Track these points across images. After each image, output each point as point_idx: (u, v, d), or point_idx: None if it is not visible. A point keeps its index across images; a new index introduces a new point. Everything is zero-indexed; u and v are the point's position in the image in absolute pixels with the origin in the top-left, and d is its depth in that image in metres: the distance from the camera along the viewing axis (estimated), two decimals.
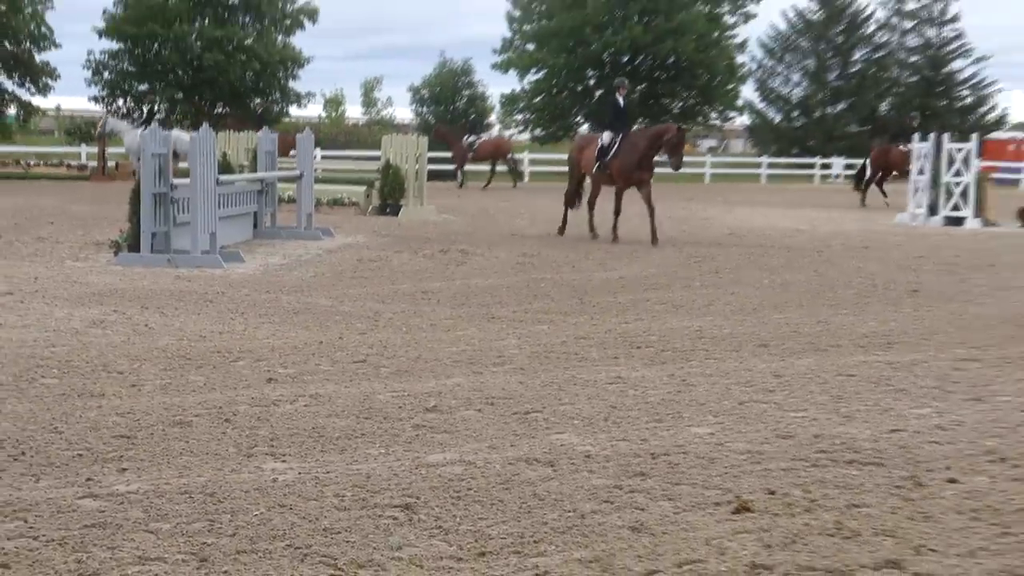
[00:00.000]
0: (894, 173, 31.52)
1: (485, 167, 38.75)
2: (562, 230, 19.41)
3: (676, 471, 5.51)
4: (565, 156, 51.22)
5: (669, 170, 19.25)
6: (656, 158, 18.71)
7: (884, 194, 31.02)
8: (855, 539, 4.61)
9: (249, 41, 48.65)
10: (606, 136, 18.78)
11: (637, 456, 5.75)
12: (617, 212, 18.35)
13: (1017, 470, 5.65)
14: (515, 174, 38.82)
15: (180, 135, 31.54)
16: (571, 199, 19.69)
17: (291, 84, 50.70)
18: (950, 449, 6.01)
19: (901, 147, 30.32)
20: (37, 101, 49.26)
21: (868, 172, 32.15)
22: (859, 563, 4.34)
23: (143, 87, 49.04)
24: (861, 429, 6.40)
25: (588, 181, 19.41)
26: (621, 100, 19.12)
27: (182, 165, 16.20)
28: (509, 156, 38.68)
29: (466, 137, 38.16)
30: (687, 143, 18.78)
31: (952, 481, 5.43)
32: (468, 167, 38.19)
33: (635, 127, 19.62)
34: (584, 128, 58.68)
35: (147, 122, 31.96)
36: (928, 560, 4.39)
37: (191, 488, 5.08)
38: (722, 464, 5.64)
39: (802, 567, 4.30)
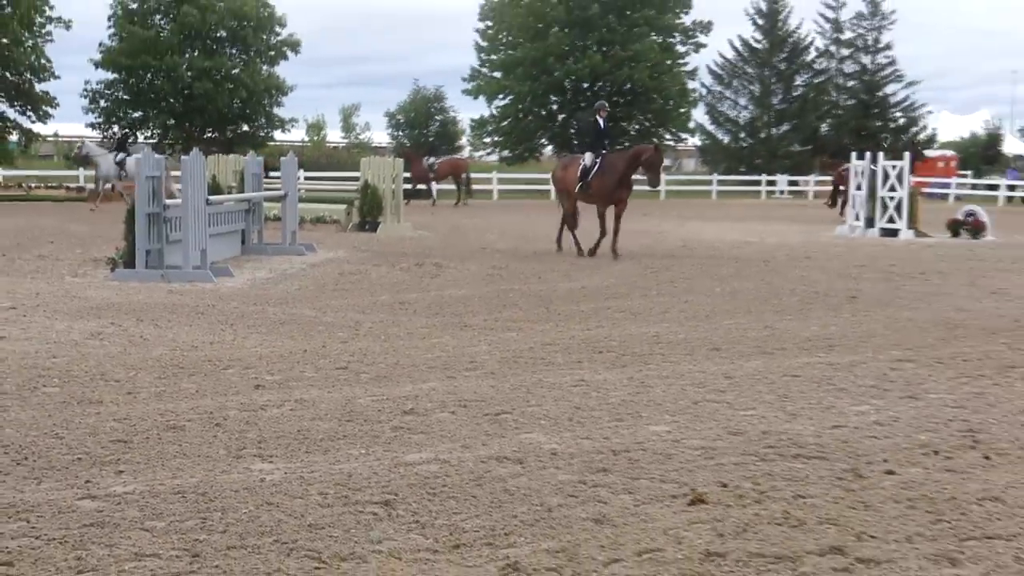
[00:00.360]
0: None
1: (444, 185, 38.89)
2: (582, 251, 18.28)
3: (636, 467, 5.51)
4: (532, 176, 51.44)
5: None
6: (634, 176, 18.56)
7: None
8: (801, 527, 4.62)
9: (236, 71, 48.50)
10: (588, 157, 18.43)
11: (600, 453, 5.74)
12: (603, 232, 17.86)
13: (949, 462, 5.68)
14: (467, 192, 38.73)
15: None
16: (572, 219, 18.86)
17: (276, 111, 50.55)
18: (887, 443, 6.04)
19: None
20: (37, 128, 48.85)
21: (841, 188, 31.96)
22: (805, 549, 4.35)
23: (137, 115, 48.77)
24: (805, 425, 6.42)
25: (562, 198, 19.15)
26: (601, 122, 18.76)
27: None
28: (464, 175, 38.67)
29: (426, 158, 38.15)
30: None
31: (890, 473, 5.46)
32: (424, 185, 38.10)
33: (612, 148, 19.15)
34: (548, 150, 58.83)
35: (120, 148, 31.50)
36: (869, 546, 4.41)
37: (184, 488, 5.04)
38: (678, 460, 5.64)
39: (753, 554, 4.31)
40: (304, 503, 4.86)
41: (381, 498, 4.94)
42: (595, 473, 5.38)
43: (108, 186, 31.08)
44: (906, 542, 4.46)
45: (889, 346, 9.35)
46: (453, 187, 38.83)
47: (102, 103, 48.57)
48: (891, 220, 24.63)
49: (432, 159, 38.51)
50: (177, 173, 15.07)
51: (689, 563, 4.22)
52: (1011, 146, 66.21)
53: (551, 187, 47.43)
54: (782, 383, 7.67)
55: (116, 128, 48.29)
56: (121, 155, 30.72)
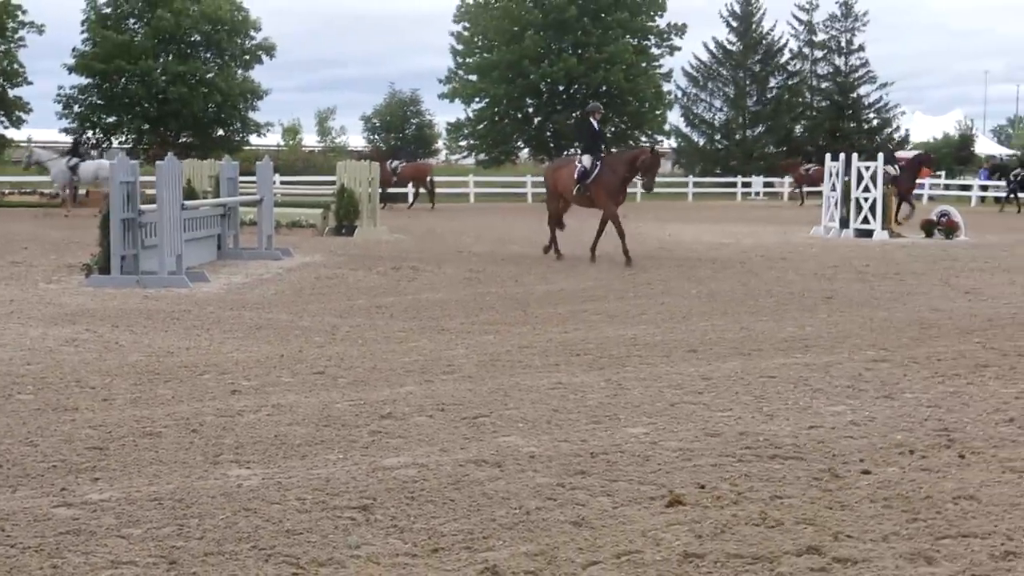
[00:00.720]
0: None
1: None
2: (548, 249, 18.45)
3: (614, 469, 5.52)
4: (508, 179, 51.47)
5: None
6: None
7: None
8: (779, 528, 4.64)
9: (211, 75, 48.29)
10: (586, 160, 17.90)
11: (578, 456, 5.75)
12: (621, 235, 17.32)
13: (925, 461, 5.72)
14: (433, 196, 38.61)
15: (104, 164, 31.11)
16: (556, 219, 18.64)
17: (251, 115, 50.38)
18: (863, 443, 6.07)
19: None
20: (11, 134, 48.51)
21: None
22: (783, 550, 4.37)
23: (111, 120, 48.51)
24: (782, 426, 6.45)
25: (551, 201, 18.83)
26: (596, 124, 18.41)
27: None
28: (428, 179, 38.58)
29: (389, 162, 38.02)
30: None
31: (866, 472, 5.48)
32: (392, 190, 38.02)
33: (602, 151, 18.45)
34: (524, 153, 58.87)
35: (74, 153, 31.10)
36: (845, 545, 4.43)
37: (161, 495, 5.01)
38: (656, 461, 5.66)
39: (731, 555, 4.32)
40: (282, 509, 4.84)
41: (359, 503, 4.93)
42: (573, 476, 5.38)
43: (65, 191, 30.71)
44: (882, 541, 4.48)
45: (864, 346, 9.40)
46: (420, 190, 38.78)
47: (76, 108, 48.27)
48: (865, 221, 24.77)
49: (395, 163, 38.44)
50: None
51: (667, 564, 4.23)
52: (983, 147, 66.66)
53: (525, 190, 47.72)
54: (759, 384, 7.70)
55: (90, 133, 48.00)
56: (74, 160, 30.30)
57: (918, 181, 31.32)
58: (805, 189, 45.90)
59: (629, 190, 19.60)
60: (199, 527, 4.59)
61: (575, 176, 17.94)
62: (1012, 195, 41.44)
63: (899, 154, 36.45)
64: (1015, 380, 7.94)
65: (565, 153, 53.39)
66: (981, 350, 9.24)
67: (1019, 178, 41.22)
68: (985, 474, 5.48)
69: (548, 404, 7.00)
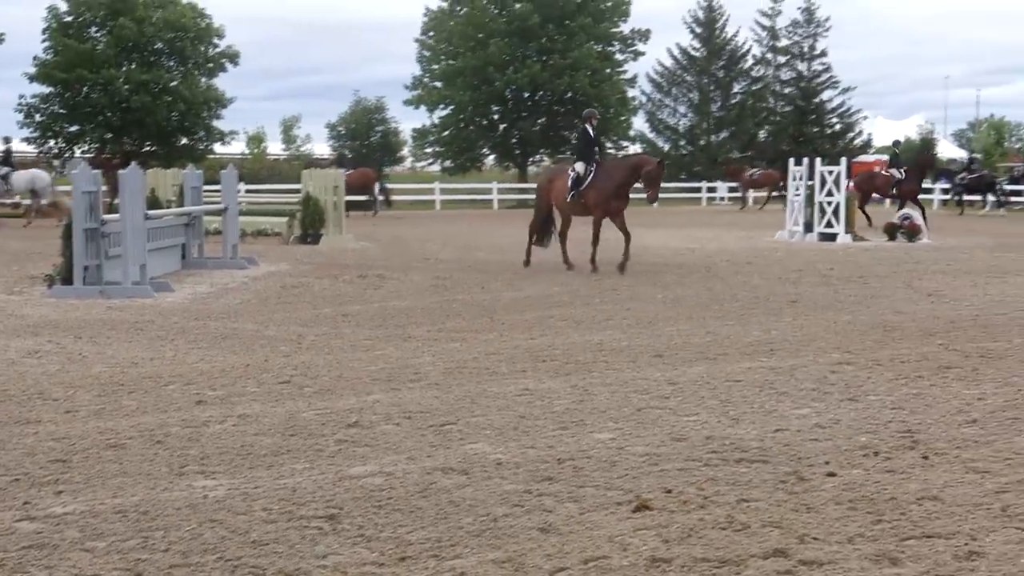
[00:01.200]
0: (874, 196, 31.39)
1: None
2: (527, 262, 17.90)
3: (581, 474, 5.52)
4: (473, 186, 51.45)
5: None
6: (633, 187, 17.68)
7: (868, 217, 28.50)
8: (745, 531, 4.66)
9: (174, 83, 47.98)
10: (579, 166, 17.46)
11: (545, 462, 5.75)
12: (595, 241, 17.10)
13: (889, 463, 5.76)
14: (376, 203, 38.39)
15: (38, 174, 30.75)
16: (535, 230, 18.23)
17: (215, 123, 50.09)
18: (828, 445, 6.11)
19: (884, 172, 30.30)
20: None
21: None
22: (749, 553, 4.39)
23: (73, 129, 48.08)
24: (748, 430, 6.48)
25: (556, 213, 18.27)
26: (591, 130, 17.84)
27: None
28: (374, 186, 38.44)
29: (335, 169, 37.84)
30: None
31: (831, 475, 5.52)
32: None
33: (596, 157, 17.82)
34: (491, 159, 58.87)
35: (4, 163, 30.28)
36: (811, 548, 4.45)
37: (125, 507, 4.97)
38: (623, 466, 5.67)
39: (698, 559, 4.33)
40: (248, 519, 4.81)
41: (326, 512, 4.91)
42: (540, 482, 5.38)
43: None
44: (848, 543, 4.51)
45: (829, 349, 9.47)
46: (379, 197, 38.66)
47: (37, 117, 47.81)
48: (829, 224, 24.96)
49: (341, 170, 38.31)
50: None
51: (635, 570, 4.24)
52: (945, 151, 67.32)
53: (491, 197, 47.81)
54: (724, 388, 7.74)
55: (52, 143, 47.59)
56: (5, 169, 29.66)
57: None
58: (750, 193, 46.26)
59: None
60: (164, 539, 4.55)
61: (568, 184, 17.49)
62: (956, 198, 41.94)
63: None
64: (977, 381, 8.02)
65: (547, 161, 53.50)
66: (944, 352, 9.32)
67: (964, 181, 41.67)
68: (948, 475, 5.53)
69: (515, 411, 7.00)
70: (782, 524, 4.74)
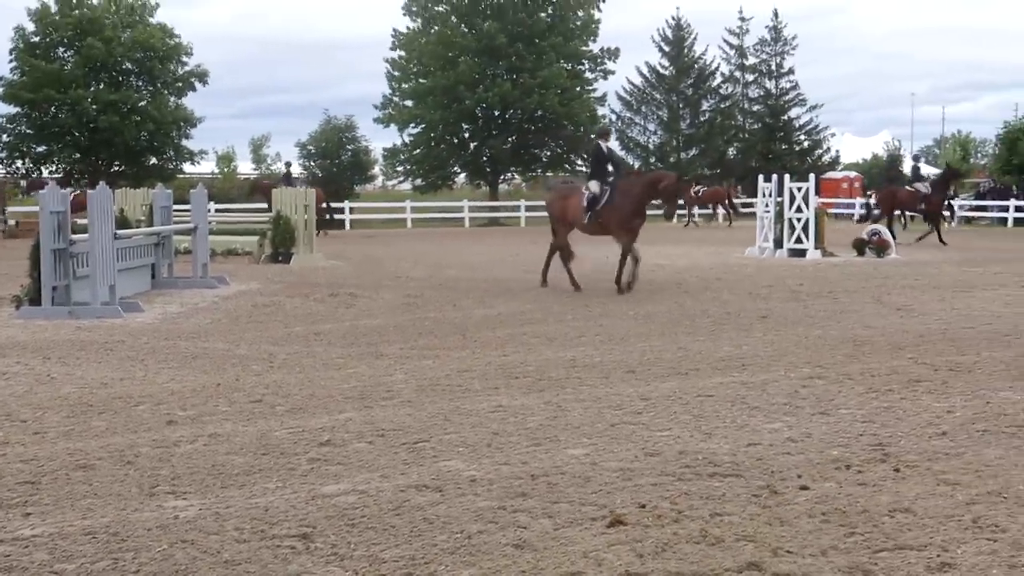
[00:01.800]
0: (897, 212, 31.37)
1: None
2: (577, 286, 16.87)
3: (555, 490, 5.51)
4: (445, 204, 51.43)
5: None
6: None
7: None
8: (719, 545, 4.66)
9: (143, 103, 47.76)
10: (593, 185, 16.92)
11: (518, 478, 5.74)
12: (624, 262, 16.45)
13: (860, 475, 5.79)
14: (324, 222, 38.17)
15: None
16: (565, 249, 17.46)
17: (184, 143, 49.86)
18: (801, 459, 6.13)
19: (908, 188, 30.20)
20: None
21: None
22: (723, 567, 4.39)
23: (41, 149, 47.74)
24: (720, 444, 6.49)
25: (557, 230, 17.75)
26: (605, 148, 17.33)
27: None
28: (322, 205, 38.24)
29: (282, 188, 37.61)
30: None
31: (804, 488, 5.54)
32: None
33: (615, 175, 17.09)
34: (462, 178, 58.88)
35: None
36: (785, 561, 4.46)
37: (95, 529, 4.92)
38: (596, 482, 5.66)
39: (672, 573, 4.33)
40: (220, 539, 4.77)
41: (299, 531, 4.88)
42: (514, 498, 5.37)
43: None
44: (821, 555, 4.52)
45: (800, 364, 9.51)
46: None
47: (4, 137, 47.48)
48: (799, 240, 25.10)
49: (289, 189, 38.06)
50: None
51: None
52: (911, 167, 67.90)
53: (463, 215, 47.82)
54: (697, 403, 7.75)
55: (20, 163, 47.22)
56: None
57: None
58: (696, 211, 46.47)
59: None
60: (135, 560, 4.51)
61: (583, 204, 16.94)
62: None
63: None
64: (947, 394, 8.07)
65: (518, 179, 53.51)
66: (913, 366, 9.38)
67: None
68: (920, 487, 5.56)
69: (488, 427, 6.98)
70: (756, 538, 4.75)
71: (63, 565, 4.46)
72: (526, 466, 5.98)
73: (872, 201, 29.74)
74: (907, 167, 35.98)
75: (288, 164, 42.05)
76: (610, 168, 17.38)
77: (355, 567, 4.44)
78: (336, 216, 39.57)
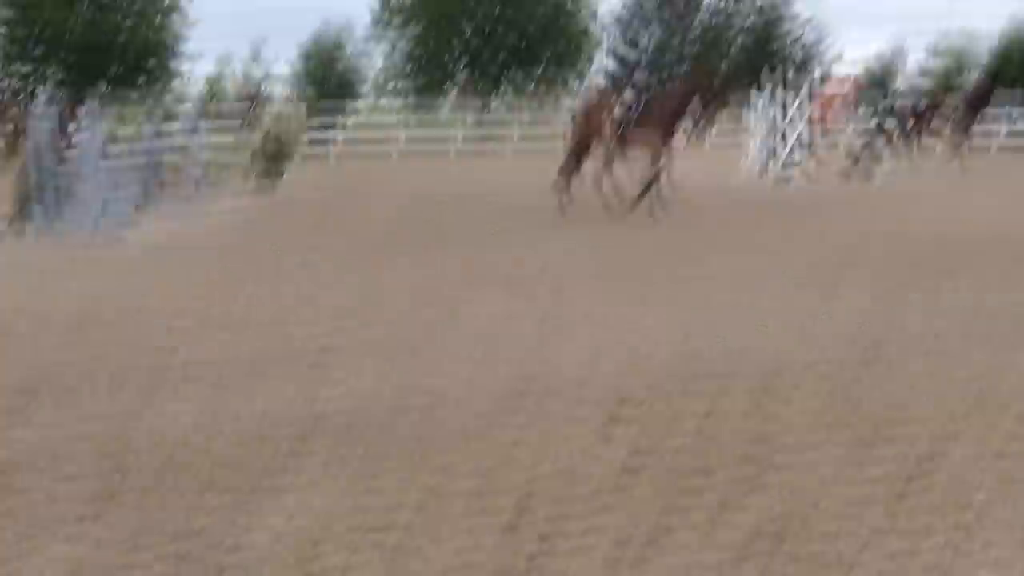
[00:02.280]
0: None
1: None
2: (563, 208, 14.66)
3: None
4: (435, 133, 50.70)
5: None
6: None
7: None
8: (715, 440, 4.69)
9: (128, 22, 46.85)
10: (628, 94, 14.98)
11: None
12: (654, 179, 14.39)
13: None
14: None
15: None
16: (569, 174, 15.12)
17: (180, 46, 48.51)
18: None
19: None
20: None
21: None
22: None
23: (26, 69, 47.01)
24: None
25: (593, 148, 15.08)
26: (635, 55, 16.00)
27: None
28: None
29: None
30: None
31: None
32: None
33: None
34: (454, 92, 58.09)
35: None
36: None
37: (95, 433, 4.93)
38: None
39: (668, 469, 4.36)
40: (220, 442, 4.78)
41: (298, 433, 4.90)
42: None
43: None
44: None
45: None
46: None
47: None
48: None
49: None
50: None
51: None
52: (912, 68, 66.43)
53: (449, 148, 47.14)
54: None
55: (5, 82, 46.56)
56: None
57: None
58: None
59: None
60: (136, 462, 4.52)
61: (616, 115, 14.80)
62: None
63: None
64: None
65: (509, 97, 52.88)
66: None
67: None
68: None
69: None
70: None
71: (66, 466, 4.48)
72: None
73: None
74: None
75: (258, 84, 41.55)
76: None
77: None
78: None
